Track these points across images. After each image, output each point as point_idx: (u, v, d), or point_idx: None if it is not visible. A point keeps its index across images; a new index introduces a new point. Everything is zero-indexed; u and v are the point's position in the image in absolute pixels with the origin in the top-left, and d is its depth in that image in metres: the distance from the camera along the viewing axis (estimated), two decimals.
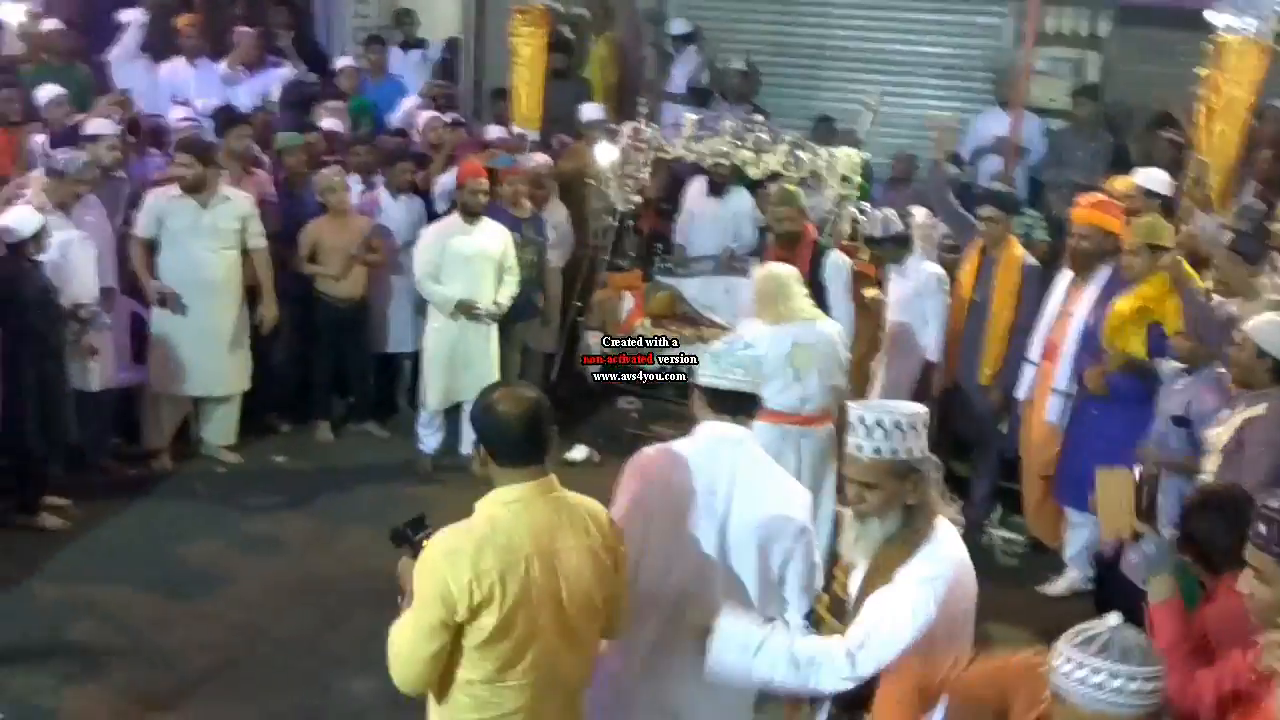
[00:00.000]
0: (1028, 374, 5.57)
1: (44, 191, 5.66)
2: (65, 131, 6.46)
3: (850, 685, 2.72)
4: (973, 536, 5.71)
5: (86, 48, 8.38)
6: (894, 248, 6.00)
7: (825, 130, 7.78)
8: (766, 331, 4.78)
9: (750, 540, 3.00)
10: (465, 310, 6.28)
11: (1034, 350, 5.52)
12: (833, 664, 2.71)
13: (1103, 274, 5.26)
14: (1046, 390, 5.42)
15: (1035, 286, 5.62)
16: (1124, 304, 4.99)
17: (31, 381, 5.33)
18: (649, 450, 3.15)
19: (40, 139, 6.47)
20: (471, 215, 6.31)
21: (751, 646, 2.79)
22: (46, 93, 6.85)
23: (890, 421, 2.71)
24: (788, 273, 4.97)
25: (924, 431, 2.78)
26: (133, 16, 8.39)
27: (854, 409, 2.81)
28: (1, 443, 5.49)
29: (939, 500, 2.81)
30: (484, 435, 2.74)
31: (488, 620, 2.58)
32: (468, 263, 6.28)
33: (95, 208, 5.94)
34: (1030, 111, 7.83)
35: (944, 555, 2.72)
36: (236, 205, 6.20)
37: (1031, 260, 5.77)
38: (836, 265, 5.68)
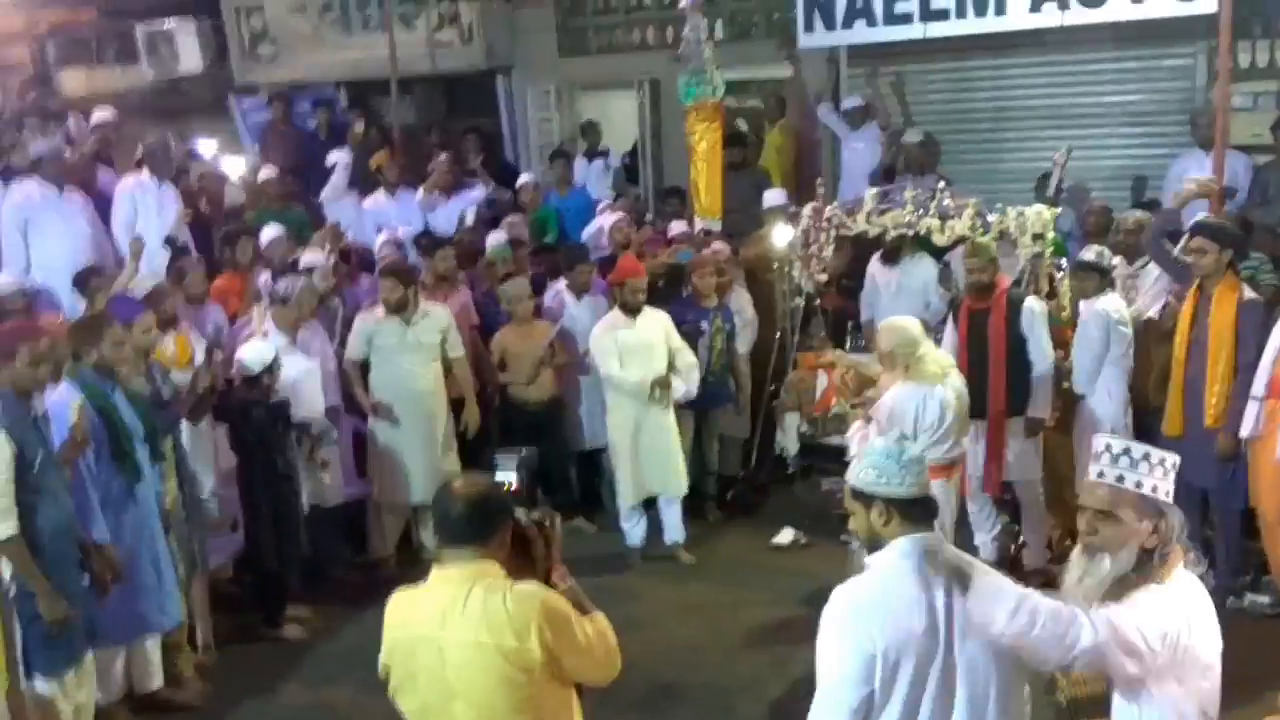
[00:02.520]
0: (1252, 411, 5.23)
1: (271, 320, 6.15)
2: (285, 267, 7.00)
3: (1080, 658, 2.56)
4: (1222, 603, 5.38)
5: (301, 191, 9.11)
6: (1098, 279, 5.90)
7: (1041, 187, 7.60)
8: (905, 391, 5.02)
9: (991, 653, 2.67)
10: (660, 385, 6.34)
11: (1259, 386, 5.19)
12: (1086, 625, 2.56)
13: None
14: (1276, 427, 5.08)
15: (1256, 320, 5.33)
16: None
17: (267, 503, 5.70)
18: (842, 591, 2.77)
19: (264, 276, 7.02)
20: (632, 312, 6.44)
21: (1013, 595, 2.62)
22: (267, 234, 7.45)
23: (1139, 452, 2.63)
24: (917, 328, 5.14)
25: (1168, 474, 2.67)
26: (339, 157, 9.07)
27: (1100, 438, 2.73)
28: (244, 561, 5.92)
29: (1181, 553, 2.66)
30: (433, 514, 2.85)
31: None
32: (635, 354, 6.40)
33: (316, 333, 6.41)
34: (1234, 150, 7.47)
35: (1179, 594, 2.57)
36: (436, 319, 6.55)
37: (1250, 294, 5.49)
38: (1034, 311, 5.84)
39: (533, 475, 3.15)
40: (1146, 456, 2.61)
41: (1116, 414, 5.95)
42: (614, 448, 6.62)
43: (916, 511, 2.73)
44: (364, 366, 6.55)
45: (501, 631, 2.67)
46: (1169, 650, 2.54)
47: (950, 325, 6.15)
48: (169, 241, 7.32)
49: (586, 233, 8.41)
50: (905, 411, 5.04)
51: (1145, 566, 2.64)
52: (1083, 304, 6.01)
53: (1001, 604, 2.58)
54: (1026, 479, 6.05)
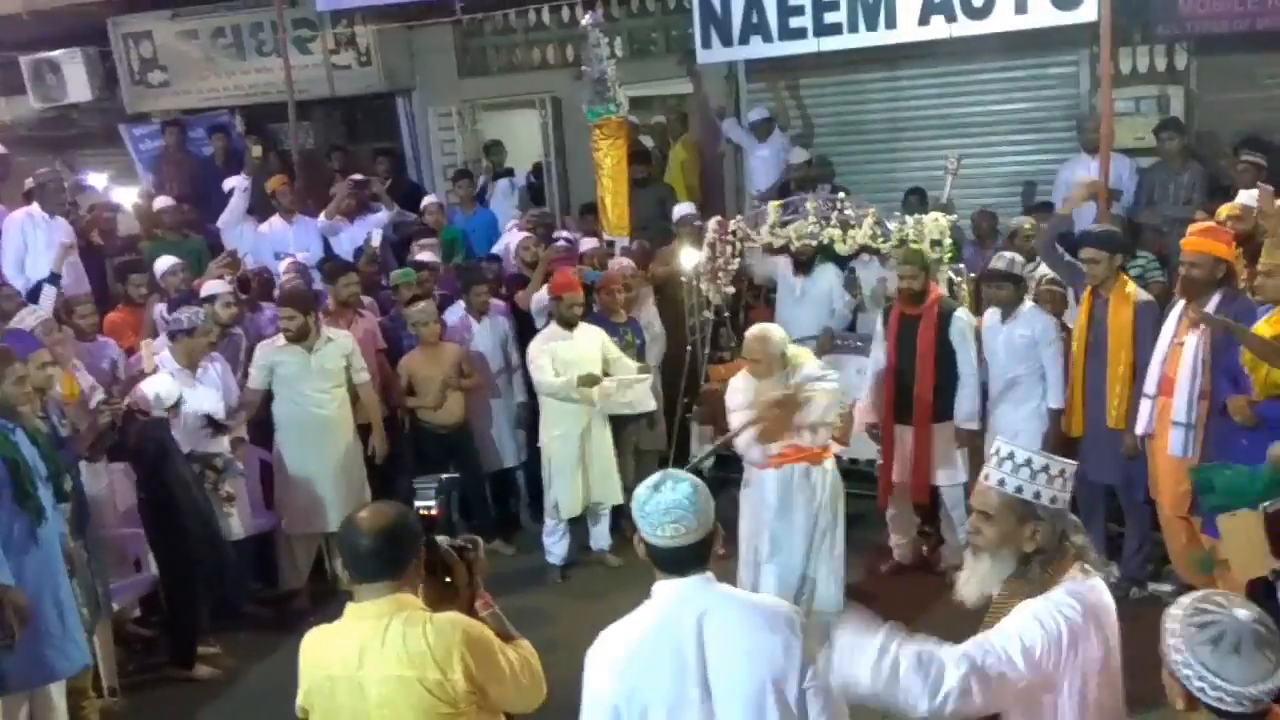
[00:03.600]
0: (1144, 409, 5.41)
1: (171, 354, 6.00)
2: (182, 296, 6.84)
3: (950, 699, 2.49)
4: (1126, 594, 5.56)
5: (198, 219, 8.93)
6: (1012, 288, 5.94)
7: (916, 201, 7.80)
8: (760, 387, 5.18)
9: (748, 705, 2.58)
10: (587, 383, 6.37)
11: (1150, 385, 5.37)
12: (949, 663, 2.51)
13: (1214, 301, 5.11)
14: (1167, 424, 5.25)
15: (1150, 322, 5.50)
16: (1263, 328, 4.82)
17: (173, 540, 5.55)
18: (603, 635, 2.70)
19: (160, 308, 6.85)
20: (569, 325, 6.48)
21: (873, 649, 2.50)
22: (163, 264, 7.27)
23: (1023, 457, 2.68)
24: (778, 333, 5.33)
25: (1065, 484, 2.70)
26: (237, 183, 8.91)
27: (1001, 443, 2.77)
28: (151, 601, 5.75)
29: (1072, 562, 2.70)
30: (341, 549, 2.80)
31: None
32: (571, 367, 6.42)
33: (218, 363, 6.26)
34: (1119, 153, 7.73)
35: (1063, 600, 2.62)
36: (339, 345, 6.46)
37: (1145, 296, 5.66)
38: (964, 322, 6.00)
39: (452, 500, 3.10)
40: (1046, 468, 2.66)
41: (1036, 426, 5.96)
42: (556, 461, 6.60)
43: (670, 562, 2.63)
44: (268, 396, 6.43)
45: (423, 664, 2.63)
46: (1038, 668, 2.56)
47: (879, 331, 6.24)
48: (53, 278, 7.11)
49: (497, 247, 8.38)
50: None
51: (1027, 571, 2.69)
52: (990, 312, 6.07)
53: (862, 660, 2.51)
54: (951, 483, 6.14)
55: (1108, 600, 2.70)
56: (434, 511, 2.93)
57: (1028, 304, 5.98)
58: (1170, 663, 2.19)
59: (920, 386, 6.01)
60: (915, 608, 5.91)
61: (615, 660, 2.62)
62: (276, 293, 7.20)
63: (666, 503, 2.59)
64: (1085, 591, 2.66)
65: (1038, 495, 2.67)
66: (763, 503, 5.38)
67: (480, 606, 2.90)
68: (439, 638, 2.64)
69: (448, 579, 2.86)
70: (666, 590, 2.64)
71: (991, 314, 6.06)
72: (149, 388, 5.59)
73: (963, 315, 6.02)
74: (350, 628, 2.72)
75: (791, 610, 2.69)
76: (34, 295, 6.64)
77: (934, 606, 5.97)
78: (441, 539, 2.88)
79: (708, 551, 2.64)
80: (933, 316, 5.99)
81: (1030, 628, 2.58)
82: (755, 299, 7.55)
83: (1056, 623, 2.58)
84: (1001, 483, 2.68)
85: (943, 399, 6.01)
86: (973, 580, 2.75)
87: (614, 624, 2.70)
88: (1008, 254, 6.11)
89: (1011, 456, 2.68)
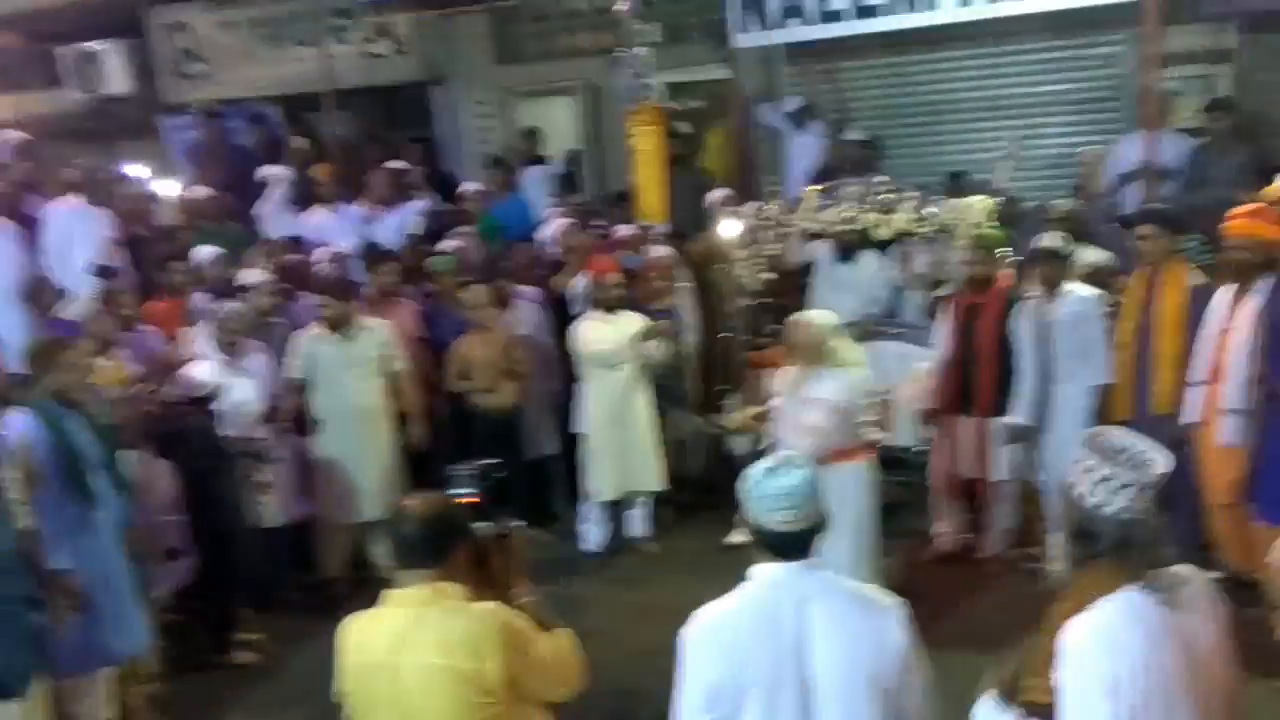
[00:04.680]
0: (1193, 397, 5.30)
1: (212, 342, 6.03)
2: (223, 286, 6.87)
3: None
4: None
5: (238, 208, 8.96)
6: (1059, 265, 5.87)
7: (955, 185, 7.68)
8: (834, 379, 5.06)
9: (847, 697, 2.60)
10: (651, 334, 6.46)
11: (1198, 372, 5.25)
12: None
13: (1264, 285, 4.99)
14: (1216, 412, 5.14)
15: (1204, 305, 5.36)
16: None
17: (214, 526, 5.59)
18: (699, 615, 2.72)
19: (202, 297, 6.88)
20: (609, 309, 6.46)
21: None
22: (203, 253, 7.30)
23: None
24: (825, 321, 5.18)
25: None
26: (277, 173, 8.94)
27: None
28: (190, 588, 5.78)
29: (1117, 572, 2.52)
30: (387, 535, 2.77)
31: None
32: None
33: (259, 351, 6.29)
34: (1175, 133, 7.57)
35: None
36: (377, 334, 6.47)
37: (1199, 278, 5.55)
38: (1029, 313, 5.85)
39: (494, 486, 3.10)
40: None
41: (1083, 403, 5.88)
42: (593, 444, 6.60)
43: (779, 547, 2.65)
44: (305, 384, 6.43)
45: (460, 654, 2.62)
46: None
47: (940, 318, 6.17)
48: (100, 270, 7.16)
49: (536, 238, 8.36)
50: (829, 392, 5.05)
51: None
52: (1035, 292, 5.95)
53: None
54: (1009, 477, 6.08)
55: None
56: (475, 498, 2.93)
57: (1070, 284, 5.88)
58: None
59: (983, 377, 5.94)
60: (959, 596, 5.86)
61: (715, 641, 2.63)
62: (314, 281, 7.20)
63: (783, 487, 2.62)
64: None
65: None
66: None
67: (519, 593, 2.88)
68: (476, 627, 2.64)
69: (487, 567, 2.84)
70: (768, 574, 2.66)
71: (1035, 296, 5.95)
72: (190, 374, 5.61)
73: (1027, 305, 5.90)
74: (389, 614, 2.72)
75: (894, 601, 2.70)
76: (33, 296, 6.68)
77: (977, 595, 5.91)
78: (482, 524, 2.87)
79: (814, 538, 2.66)
80: (996, 305, 5.91)
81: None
82: (790, 284, 7.46)
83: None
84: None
85: (1004, 392, 5.92)
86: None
87: (710, 605, 2.71)
88: (1054, 233, 6.01)
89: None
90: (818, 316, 5.26)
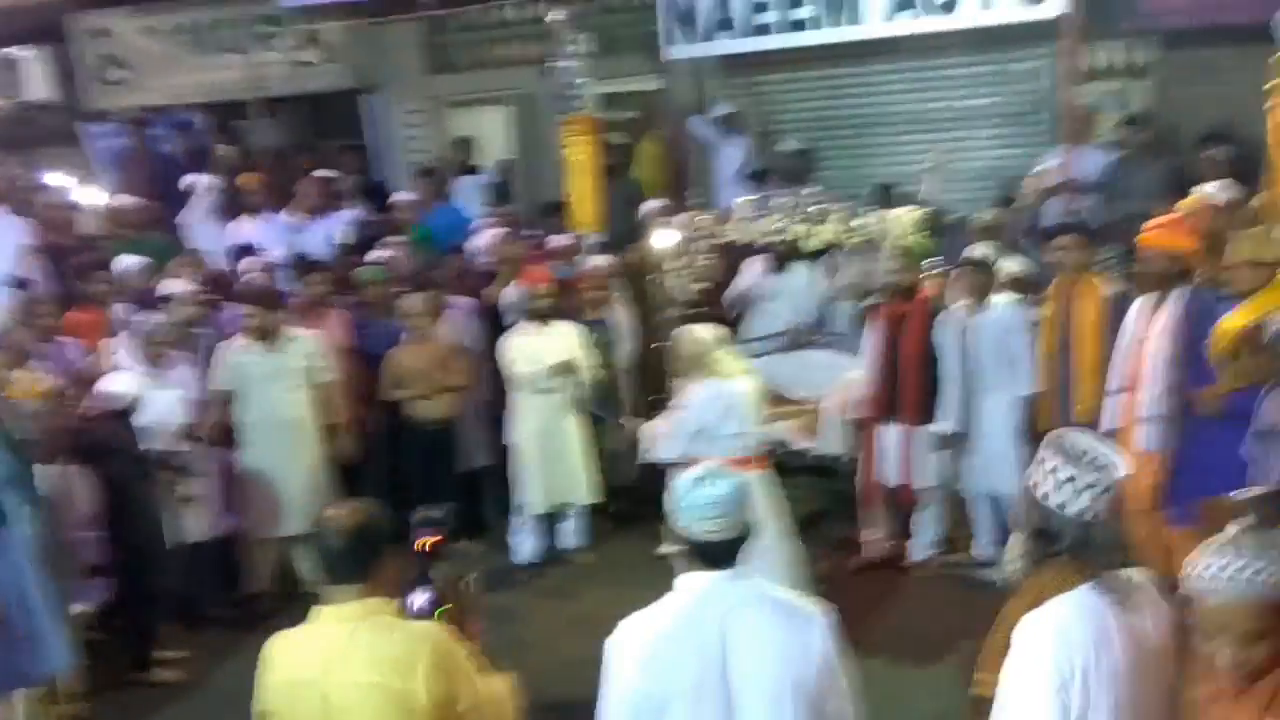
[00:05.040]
0: (1109, 406, 5.41)
1: (133, 354, 5.91)
2: (146, 297, 6.74)
3: None
4: None
5: (161, 217, 8.80)
6: (986, 275, 5.98)
7: (882, 196, 7.78)
8: (702, 390, 5.06)
9: (771, 706, 2.61)
10: (562, 371, 6.42)
11: (1116, 380, 5.37)
12: None
13: (1179, 295, 5.11)
14: (1133, 420, 5.25)
15: (1119, 314, 5.48)
16: (1232, 321, 4.82)
17: (135, 541, 5.47)
18: (625, 624, 2.74)
19: (122, 307, 6.75)
20: (541, 320, 6.45)
21: None
22: (124, 263, 7.16)
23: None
24: (710, 334, 5.20)
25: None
26: (203, 181, 8.80)
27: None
28: (111, 605, 5.65)
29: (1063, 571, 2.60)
30: (312, 549, 2.74)
31: None
32: (546, 361, 6.45)
33: (181, 363, 6.17)
34: (1093, 148, 7.74)
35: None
36: (304, 344, 6.39)
37: (1114, 288, 5.68)
38: (953, 322, 5.93)
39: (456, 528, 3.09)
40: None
41: (1011, 416, 5.97)
42: (524, 456, 6.58)
43: (713, 552, 2.67)
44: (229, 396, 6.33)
45: (390, 671, 2.57)
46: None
47: (867, 327, 6.24)
48: (17, 282, 6.99)
49: (468, 249, 8.32)
50: (712, 405, 5.06)
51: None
52: (958, 304, 6.04)
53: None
54: (933, 484, 6.14)
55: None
56: (438, 538, 2.93)
57: (998, 294, 5.99)
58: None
59: (909, 384, 6.00)
60: (887, 603, 5.93)
61: (639, 650, 2.66)
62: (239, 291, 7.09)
63: (709, 497, 2.65)
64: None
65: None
66: None
67: (469, 636, 2.87)
68: (407, 645, 2.59)
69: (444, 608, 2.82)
70: (694, 584, 2.69)
71: (961, 306, 6.05)
72: (111, 386, 5.50)
73: (952, 314, 5.99)
74: (317, 631, 2.66)
75: (817, 609, 2.72)
76: None
77: (904, 602, 5.99)
78: (441, 567, 2.86)
79: (740, 547, 2.69)
80: (921, 313, 5.98)
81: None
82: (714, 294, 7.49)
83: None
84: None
85: (931, 398, 6.00)
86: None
87: (637, 614, 2.74)
88: (982, 245, 6.12)
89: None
90: (700, 330, 5.28)
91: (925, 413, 6.02)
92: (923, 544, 6.31)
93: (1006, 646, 2.50)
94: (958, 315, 6.02)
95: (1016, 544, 2.68)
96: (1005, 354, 5.91)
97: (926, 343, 5.98)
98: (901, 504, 6.31)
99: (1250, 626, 2.15)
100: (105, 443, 5.40)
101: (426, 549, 2.94)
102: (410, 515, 3.00)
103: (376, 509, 2.76)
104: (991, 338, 5.94)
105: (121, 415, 5.44)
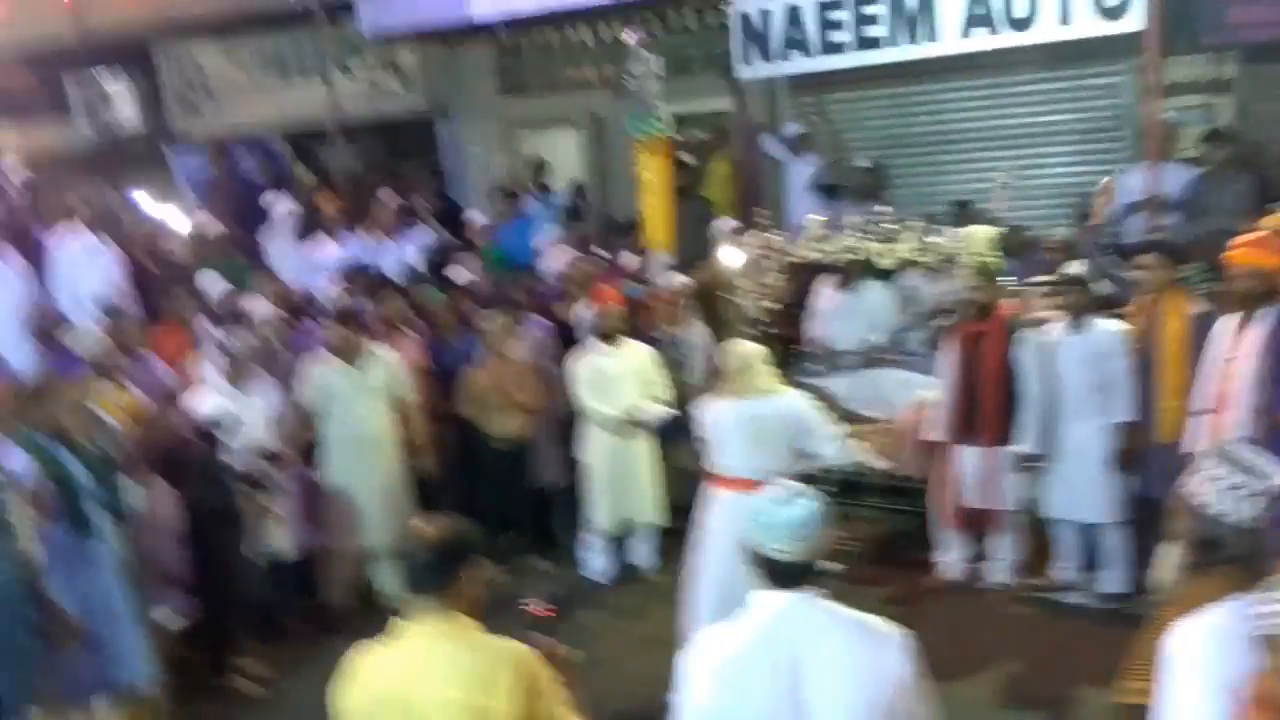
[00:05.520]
0: (1196, 426, 5.26)
1: (219, 370, 6.07)
2: (227, 315, 6.91)
3: None
4: None
5: (244, 241, 9.03)
6: (1084, 294, 5.80)
7: (961, 214, 7.70)
8: (724, 405, 5.02)
9: None
10: (633, 419, 6.37)
11: (1202, 400, 5.24)
12: None
13: (1267, 314, 4.99)
14: (1221, 441, 5.12)
15: (1205, 334, 5.34)
16: None
17: (218, 553, 5.61)
18: (699, 642, 2.75)
19: (207, 325, 6.92)
20: (610, 339, 6.47)
21: None
22: (209, 283, 7.35)
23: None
24: (754, 350, 5.12)
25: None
26: (283, 205, 9.00)
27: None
28: (197, 617, 5.79)
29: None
30: (398, 561, 2.70)
31: None
32: (614, 383, 6.42)
33: (263, 380, 6.30)
34: (1177, 163, 7.59)
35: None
36: (386, 362, 6.49)
37: (1199, 307, 5.54)
38: (1032, 342, 5.83)
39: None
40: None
41: (1102, 442, 5.82)
42: (594, 475, 6.59)
43: (780, 576, 2.66)
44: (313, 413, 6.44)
45: (471, 688, 2.56)
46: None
47: (943, 348, 6.15)
48: (108, 304, 7.21)
49: (540, 268, 8.40)
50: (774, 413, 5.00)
51: None
52: (1055, 325, 5.91)
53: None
54: (1013, 507, 6.03)
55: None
56: (550, 611, 2.96)
57: (1097, 315, 5.82)
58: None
59: (987, 405, 5.91)
60: (962, 627, 5.84)
61: (713, 668, 2.65)
62: (320, 311, 7.24)
63: (796, 518, 2.64)
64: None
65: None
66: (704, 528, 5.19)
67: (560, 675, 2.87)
68: (489, 661, 2.58)
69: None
70: (770, 602, 2.67)
71: (1058, 327, 5.90)
72: (199, 403, 5.64)
73: (1031, 333, 5.88)
74: (400, 646, 2.66)
75: (895, 631, 2.69)
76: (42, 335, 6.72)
77: (981, 626, 5.89)
78: (544, 639, 2.86)
79: (821, 568, 2.68)
80: (998, 332, 5.88)
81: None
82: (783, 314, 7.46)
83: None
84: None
85: (1010, 419, 5.89)
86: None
87: (710, 631, 2.74)
88: (1076, 263, 5.97)
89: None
90: (746, 346, 5.22)
91: (1004, 433, 5.93)
92: (1000, 566, 6.21)
93: (1154, 655, 2.47)
94: (1049, 335, 5.88)
95: (1168, 556, 2.67)
96: (1099, 378, 5.74)
97: (1005, 362, 5.88)
98: (978, 526, 6.22)
99: None
100: (193, 459, 5.53)
101: (532, 617, 2.94)
102: (487, 535, 3.01)
103: (464, 524, 2.76)
104: (1085, 360, 5.76)
105: (209, 432, 5.58)
